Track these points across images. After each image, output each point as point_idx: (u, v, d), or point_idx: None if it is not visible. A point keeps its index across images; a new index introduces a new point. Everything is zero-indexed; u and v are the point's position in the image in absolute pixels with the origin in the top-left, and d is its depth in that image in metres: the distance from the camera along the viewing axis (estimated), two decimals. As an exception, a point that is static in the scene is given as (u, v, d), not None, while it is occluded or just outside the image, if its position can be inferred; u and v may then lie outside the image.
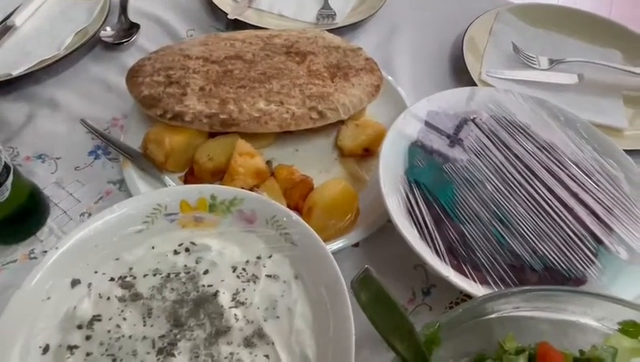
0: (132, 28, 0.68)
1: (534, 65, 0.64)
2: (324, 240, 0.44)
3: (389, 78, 0.60)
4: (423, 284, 0.45)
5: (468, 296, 0.43)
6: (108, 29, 0.66)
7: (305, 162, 0.52)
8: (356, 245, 0.47)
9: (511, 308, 0.32)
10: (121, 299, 0.37)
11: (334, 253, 0.44)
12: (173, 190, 0.43)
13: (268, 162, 0.51)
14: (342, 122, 0.54)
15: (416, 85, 0.63)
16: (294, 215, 0.40)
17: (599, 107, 0.60)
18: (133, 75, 0.52)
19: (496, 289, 0.39)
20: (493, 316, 0.32)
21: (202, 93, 0.50)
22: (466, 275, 0.40)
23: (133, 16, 0.70)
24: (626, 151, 0.50)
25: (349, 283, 0.31)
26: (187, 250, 0.40)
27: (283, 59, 0.53)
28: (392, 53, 0.67)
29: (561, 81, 0.62)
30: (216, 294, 0.37)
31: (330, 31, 0.65)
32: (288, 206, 0.45)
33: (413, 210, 0.43)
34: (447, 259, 0.40)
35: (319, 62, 0.53)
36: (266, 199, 0.41)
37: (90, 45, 0.65)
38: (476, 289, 0.39)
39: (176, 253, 0.40)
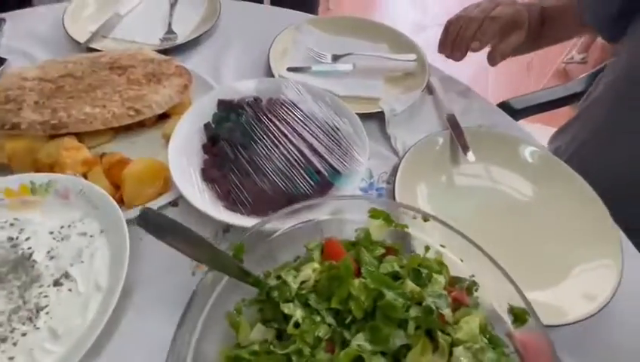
0: (0, 63, 0.66)
1: (323, 61, 0.71)
2: (142, 203, 0.48)
3: (213, 83, 0.63)
4: (224, 226, 0.50)
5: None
6: (-25, 64, 0.65)
7: (138, 151, 0.54)
8: (176, 205, 0.51)
9: (290, 226, 0.37)
10: (-51, 269, 0.38)
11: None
12: (-5, 181, 0.44)
13: (103, 154, 0.53)
14: (169, 117, 0.58)
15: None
16: (95, 186, 0.43)
17: (366, 85, 0.68)
18: (-23, 99, 0.52)
19: (258, 217, 0.44)
20: (276, 234, 0.36)
21: (37, 105, 0.51)
22: (238, 213, 0.45)
23: (2, 52, 0.68)
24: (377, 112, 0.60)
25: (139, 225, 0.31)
26: (12, 224, 0.42)
27: (107, 73, 0.55)
28: (220, 63, 0.71)
29: (341, 69, 0.70)
30: (32, 253, 0.40)
31: (169, 49, 0.68)
32: (112, 183, 0.48)
33: (204, 173, 0.48)
34: (223, 205, 0.45)
35: (138, 72, 0.56)
36: (74, 178, 0.44)
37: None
38: (242, 221, 0.44)
39: (2, 228, 0.41)
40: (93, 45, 0.68)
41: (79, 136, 0.52)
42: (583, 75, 0.96)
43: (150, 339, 0.39)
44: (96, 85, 0.53)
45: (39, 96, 0.51)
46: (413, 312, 0.27)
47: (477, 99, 0.68)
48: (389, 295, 0.27)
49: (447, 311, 0.28)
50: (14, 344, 0.34)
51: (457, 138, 0.57)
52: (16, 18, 0.75)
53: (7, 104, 0.50)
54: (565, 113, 0.85)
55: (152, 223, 0.31)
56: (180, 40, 0.73)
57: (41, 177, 0.43)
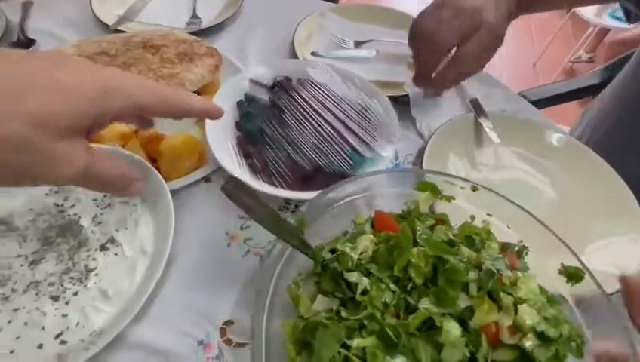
0: (30, 44, 0.68)
1: (346, 47, 0.72)
2: (177, 177, 0.49)
3: (239, 65, 0.65)
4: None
5: (287, 201, 0.50)
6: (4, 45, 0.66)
7: (171, 127, 0.55)
8: (208, 181, 0.53)
9: (342, 198, 0.37)
10: (-1, 232, 0.39)
11: (189, 186, 0.50)
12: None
13: (137, 130, 0.54)
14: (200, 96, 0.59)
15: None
16: (136, 156, 0.44)
17: (389, 70, 0.69)
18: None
19: (295, 191, 0.45)
20: (339, 203, 0.37)
21: (74, 81, 0.52)
22: (275, 185, 0.46)
23: (30, 34, 0.69)
24: (402, 95, 0.61)
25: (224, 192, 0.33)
26: (56, 192, 0.43)
27: (140, 51, 0.56)
28: (245, 46, 0.72)
29: (364, 55, 0.71)
30: (79, 219, 0.41)
31: (195, 33, 0.69)
32: (148, 155, 0.50)
33: (239, 148, 0.49)
34: (261, 177, 0.47)
35: (170, 52, 0.57)
36: (114, 148, 0.45)
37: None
38: (281, 193, 0.45)
39: (47, 195, 0.43)
40: (121, 28, 0.69)
41: (114, 112, 0.53)
42: (597, 68, 0.97)
43: (188, 306, 0.41)
44: (131, 63, 0.54)
45: (76, 73, 0.52)
46: (474, 275, 0.28)
47: (498, 86, 0.70)
48: (452, 260, 0.28)
49: (507, 273, 0.29)
50: (67, 303, 0.35)
51: (481, 120, 0.58)
52: (43, 1, 0.76)
53: (45, 79, 0.51)
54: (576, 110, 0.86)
55: (234, 190, 0.32)
56: (205, 24, 0.74)
57: (84, 147, 0.44)
